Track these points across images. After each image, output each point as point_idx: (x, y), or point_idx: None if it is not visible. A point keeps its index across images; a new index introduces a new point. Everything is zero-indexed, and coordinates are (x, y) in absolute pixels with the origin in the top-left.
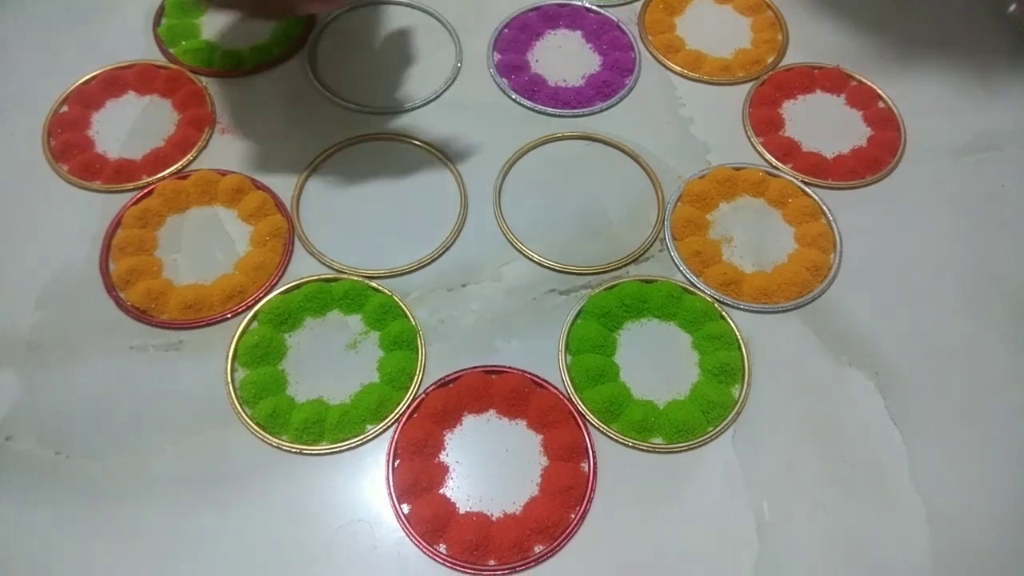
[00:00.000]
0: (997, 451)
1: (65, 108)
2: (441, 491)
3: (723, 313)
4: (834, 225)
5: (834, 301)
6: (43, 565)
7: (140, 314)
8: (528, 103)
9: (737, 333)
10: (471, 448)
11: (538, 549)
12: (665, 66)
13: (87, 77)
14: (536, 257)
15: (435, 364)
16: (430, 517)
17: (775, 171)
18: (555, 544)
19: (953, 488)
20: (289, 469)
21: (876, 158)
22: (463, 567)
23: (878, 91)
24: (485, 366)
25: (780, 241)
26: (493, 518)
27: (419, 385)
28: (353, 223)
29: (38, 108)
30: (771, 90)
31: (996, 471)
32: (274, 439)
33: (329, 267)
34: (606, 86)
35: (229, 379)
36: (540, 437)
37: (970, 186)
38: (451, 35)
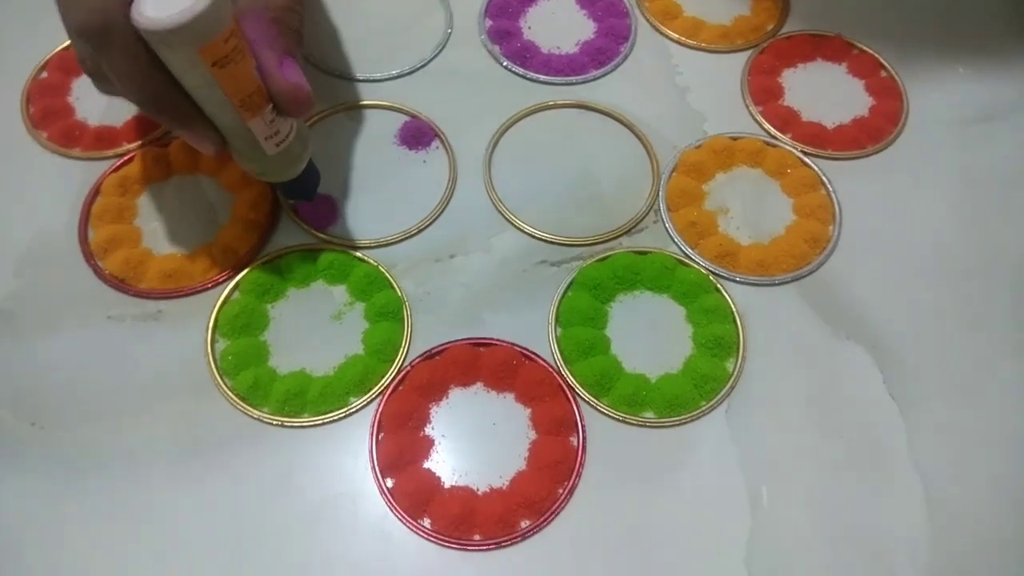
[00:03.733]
0: (997, 427)
1: (45, 74)
2: (426, 465)
3: (718, 286)
4: (834, 196)
5: (832, 274)
6: (17, 537)
7: (118, 283)
8: (520, 70)
9: (732, 306)
10: (457, 421)
11: (524, 524)
12: (662, 33)
13: (67, 43)
14: (527, 228)
15: (421, 336)
16: (414, 491)
17: (774, 141)
18: (542, 519)
19: (952, 464)
20: (270, 441)
21: (877, 128)
22: (448, 542)
23: (880, 60)
24: (472, 338)
25: (778, 212)
26: (479, 492)
27: (404, 357)
28: (340, 191)
29: (17, 74)
30: (771, 58)
31: (996, 447)
32: (255, 411)
33: (314, 236)
34: (600, 53)
35: (209, 350)
36: (528, 411)
37: (973, 157)
38: (441, 0)
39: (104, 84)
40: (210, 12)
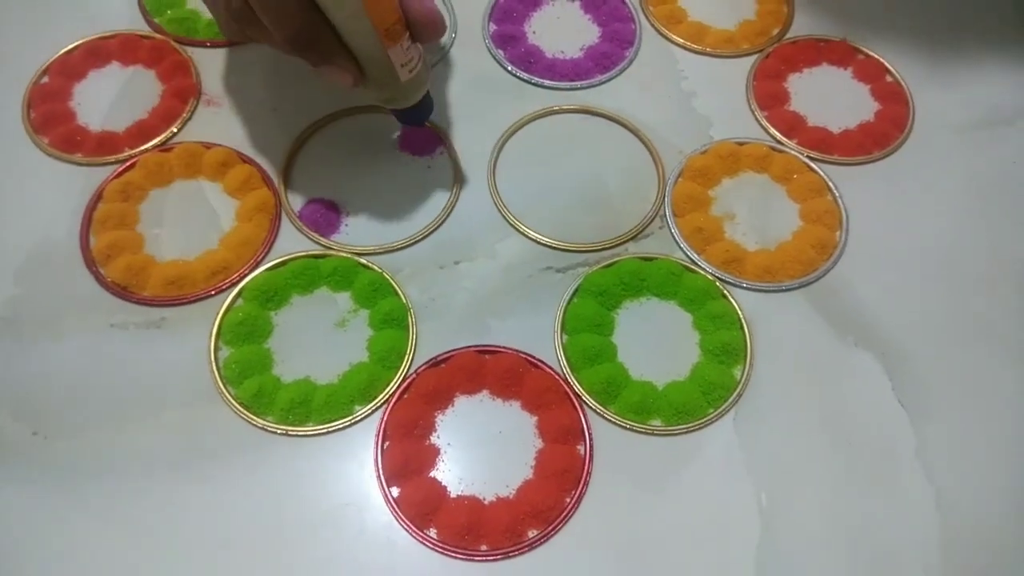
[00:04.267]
0: (1007, 433)
1: (46, 79)
2: (432, 474)
3: (725, 292)
4: (840, 202)
5: (840, 280)
6: (18, 546)
7: (121, 290)
8: (524, 75)
9: (739, 312)
10: (463, 430)
11: (532, 534)
12: (667, 38)
13: (69, 47)
14: (532, 234)
15: (426, 343)
16: (420, 500)
17: (780, 146)
18: (549, 529)
19: (962, 471)
20: (274, 451)
21: (884, 133)
22: (454, 552)
23: (886, 65)
24: (478, 345)
25: (784, 218)
26: (485, 502)
27: (410, 365)
28: (344, 197)
29: (18, 79)
30: (776, 63)
31: (1006, 454)
32: (259, 420)
33: (317, 243)
34: (605, 58)
35: (212, 358)
36: (535, 419)
37: (980, 162)
38: (445, 4)
39: (245, 27)
40: None
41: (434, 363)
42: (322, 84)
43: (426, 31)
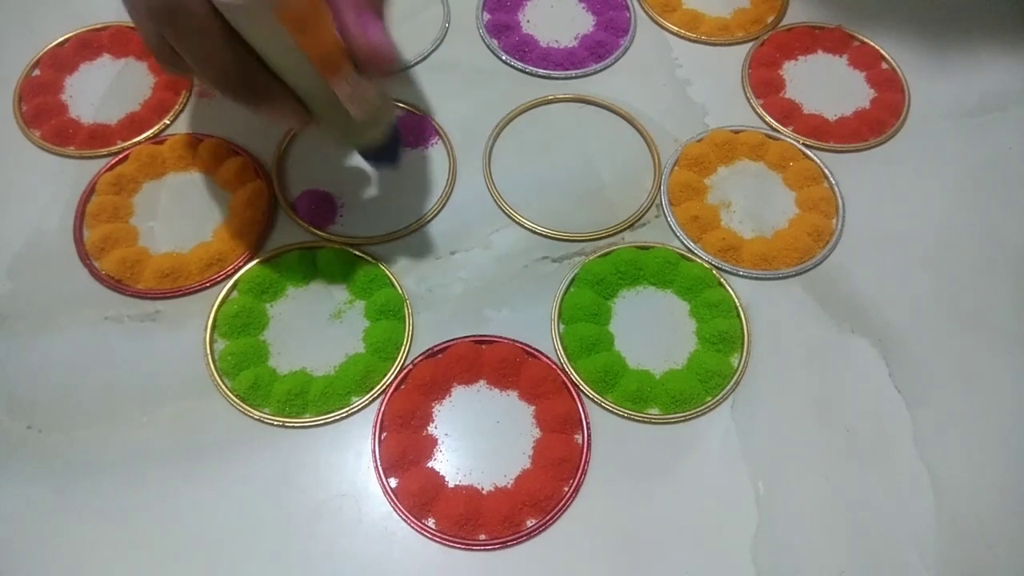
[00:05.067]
0: (1003, 419)
1: (37, 72)
2: (429, 464)
3: (721, 280)
4: (836, 189)
5: (836, 267)
6: (14, 541)
7: (115, 283)
8: (519, 64)
9: (736, 300)
10: (460, 420)
11: (530, 523)
12: (661, 26)
13: (60, 39)
14: (528, 223)
15: (423, 334)
16: (418, 491)
17: (775, 134)
18: (548, 518)
19: (958, 457)
20: (271, 442)
21: (879, 120)
22: (452, 542)
23: (881, 52)
24: (475, 336)
25: (780, 205)
26: (483, 491)
27: (406, 355)
28: (339, 188)
29: (9, 72)
30: (771, 51)
31: (1002, 439)
32: (255, 411)
33: (312, 234)
34: (600, 47)
35: (208, 350)
36: (532, 408)
37: (976, 149)
38: None
39: (175, 66)
40: None
41: (431, 354)
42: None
43: (371, 65)
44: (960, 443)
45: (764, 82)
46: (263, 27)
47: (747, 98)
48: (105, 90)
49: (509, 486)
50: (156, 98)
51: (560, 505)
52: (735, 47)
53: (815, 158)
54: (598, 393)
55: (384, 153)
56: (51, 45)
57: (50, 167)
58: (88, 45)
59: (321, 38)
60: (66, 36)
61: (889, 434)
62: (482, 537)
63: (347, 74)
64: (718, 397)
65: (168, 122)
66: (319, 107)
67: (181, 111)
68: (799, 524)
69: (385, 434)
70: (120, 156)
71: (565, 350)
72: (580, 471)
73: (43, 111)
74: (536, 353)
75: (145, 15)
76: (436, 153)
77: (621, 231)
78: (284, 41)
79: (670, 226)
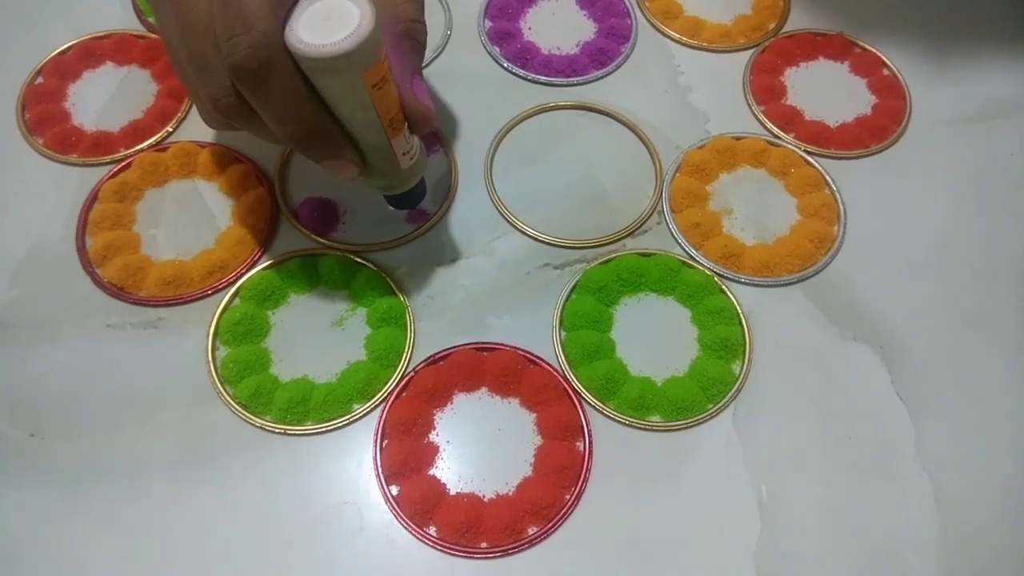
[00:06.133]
0: (1006, 427)
1: (40, 79)
2: (431, 472)
3: (723, 287)
4: (838, 195)
5: (838, 274)
6: (16, 549)
7: (117, 291)
8: (521, 72)
9: (738, 307)
10: (462, 427)
11: (532, 531)
12: (663, 33)
13: (63, 47)
14: (529, 231)
15: (424, 341)
16: (419, 498)
17: (777, 140)
18: (549, 526)
19: (961, 465)
20: (272, 450)
21: (881, 127)
22: (454, 549)
23: (882, 58)
24: (476, 343)
25: (782, 212)
26: (485, 499)
27: (408, 363)
28: (340, 196)
29: (12, 80)
30: (772, 57)
31: (1005, 447)
32: (257, 419)
33: (314, 241)
34: (601, 54)
35: (210, 357)
36: (533, 415)
37: (978, 155)
38: (440, 1)
39: (235, 122)
40: (376, 32)
41: (432, 361)
42: (325, 174)
43: (420, 124)
44: (963, 451)
45: (765, 89)
46: (346, 85)
47: (748, 105)
48: (108, 98)
49: (510, 494)
50: (159, 106)
51: (562, 513)
52: (736, 54)
53: (816, 165)
54: (600, 400)
55: (410, 198)
56: (54, 53)
57: (53, 175)
58: (91, 53)
59: (390, 97)
60: (69, 44)
61: (891, 442)
62: (483, 545)
63: (404, 131)
64: (720, 405)
65: (171, 130)
66: (376, 160)
67: (184, 119)
68: (802, 533)
69: (386, 442)
70: (123, 164)
71: (566, 357)
72: (582, 479)
73: (46, 119)
74: (537, 360)
75: (221, 71)
76: (437, 160)
77: (622, 238)
78: (362, 99)
79: (671, 233)
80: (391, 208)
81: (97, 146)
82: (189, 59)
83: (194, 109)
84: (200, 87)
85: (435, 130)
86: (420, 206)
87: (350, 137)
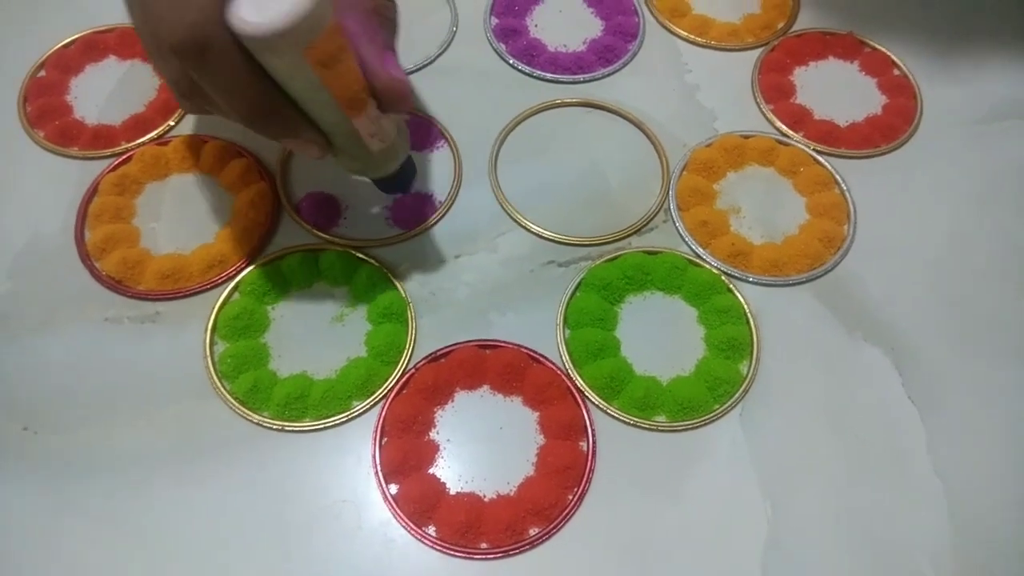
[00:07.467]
0: (1018, 429)
1: (43, 72)
2: (431, 470)
3: (730, 286)
4: (848, 195)
5: (848, 274)
6: (10, 544)
7: (115, 284)
8: (527, 68)
9: (745, 307)
10: (463, 425)
11: (533, 532)
12: (670, 31)
13: (66, 41)
14: (534, 227)
15: (426, 338)
16: (419, 497)
17: (785, 139)
18: (551, 526)
19: (973, 468)
20: (270, 446)
21: (891, 126)
22: (453, 550)
23: (893, 58)
24: (479, 340)
25: (791, 211)
26: (486, 499)
27: (409, 359)
28: (342, 190)
29: (14, 72)
30: (781, 56)
31: (1018, 450)
32: (255, 415)
33: (315, 236)
34: (608, 51)
35: (208, 352)
36: (536, 414)
37: (988, 156)
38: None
39: (199, 103)
40: (316, 9)
41: (433, 358)
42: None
43: (392, 102)
44: (975, 454)
45: (774, 87)
46: (290, 64)
47: (757, 103)
48: (110, 91)
49: (512, 494)
50: (161, 99)
51: (564, 514)
52: (745, 52)
53: (826, 164)
54: (604, 399)
55: (396, 182)
56: (57, 46)
57: (53, 167)
58: (94, 46)
59: (345, 76)
60: (72, 37)
61: (902, 444)
62: (484, 546)
63: (369, 111)
64: (726, 405)
65: (172, 123)
66: (340, 140)
67: (186, 113)
68: (809, 536)
69: (386, 439)
70: (124, 157)
71: (570, 355)
72: (585, 479)
73: (48, 112)
74: (541, 358)
75: (169, 53)
76: (442, 156)
77: (628, 236)
78: (309, 78)
79: (678, 231)
80: (380, 191)
81: (98, 139)
82: (150, 43)
83: None
84: (163, 71)
85: (436, 126)
86: (403, 184)
87: (310, 117)
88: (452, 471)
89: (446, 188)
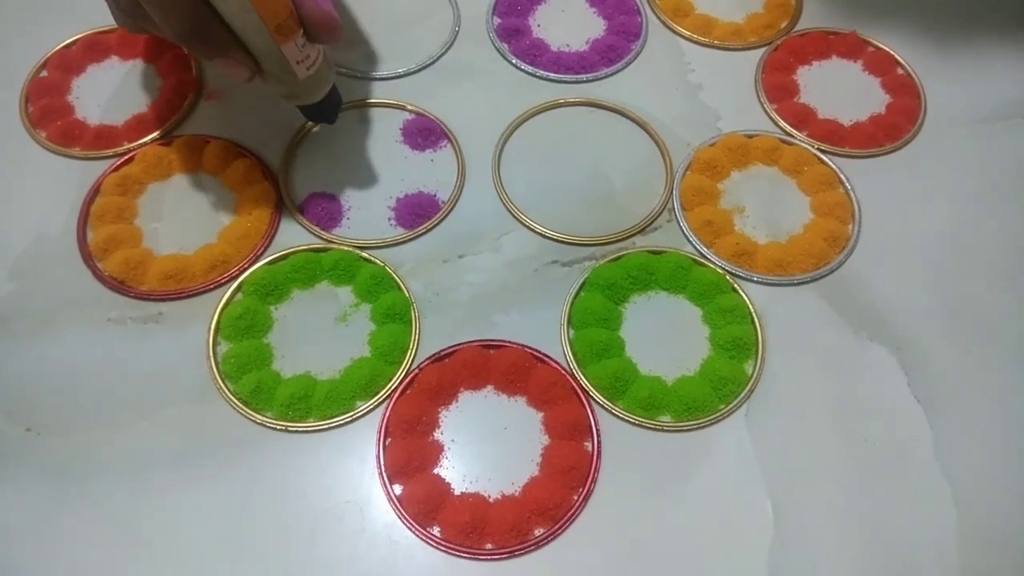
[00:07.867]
0: None
1: (44, 73)
2: (435, 471)
3: (735, 285)
4: (852, 194)
5: (853, 273)
6: (12, 546)
7: (118, 285)
8: (529, 68)
9: (750, 306)
10: (467, 426)
11: (538, 532)
12: (673, 31)
13: (68, 41)
14: (537, 227)
15: (430, 338)
16: (423, 498)
17: (789, 138)
18: (556, 527)
19: (980, 468)
20: (273, 447)
21: (895, 125)
22: (458, 551)
23: (896, 57)
24: (483, 340)
25: (795, 211)
26: (490, 499)
27: (412, 360)
28: (344, 191)
29: (16, 73)
30: (785, 55)
31: (1023, 449)
32: (258, 415)
33: (318, 236)
34: (611, 51)
35: (211, 352)
36: (541, 414)
37: (993, 155)
38: (450, 1)
39: (137, 20)
40: None
41: (437, 358)
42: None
43: (320, 32)
44: (981, 454)
45: (778, 86)
46: None
47: (760, 102)
48: (112, 91)
49: (517, 494)
50: (164, 100)
51: (569, 514)
52: (748, 52)
53: (830, 163)
54: (608, 400)
55: (323, 111)
56: (59, 46)
57: (55, 168)
58: (96, 47)
59: (276, 1)
60: (74, 38)
61: (908, 444)
62: (489, 546)
63: (296, 38)
64: (732, 405)
65: (175, 123)
66: (269, 65)
67: (189, 113)
68: (816, 537)
69: (390, 440)
70: (126, 157)
71: (575, 355)
72: (590, 479)
73: (49, 112)
74: (545, 358)
75: None
76: (445, 156)
77: (632, 235)
78: (241, 1)
79: (682, 231)
80: (306, 118)
81: (100, 139)
82: None
83: (200, 103)
84: None
85: (439, 126)
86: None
87: (240, 40)
88: (456, 472)
89: (449, 188)
